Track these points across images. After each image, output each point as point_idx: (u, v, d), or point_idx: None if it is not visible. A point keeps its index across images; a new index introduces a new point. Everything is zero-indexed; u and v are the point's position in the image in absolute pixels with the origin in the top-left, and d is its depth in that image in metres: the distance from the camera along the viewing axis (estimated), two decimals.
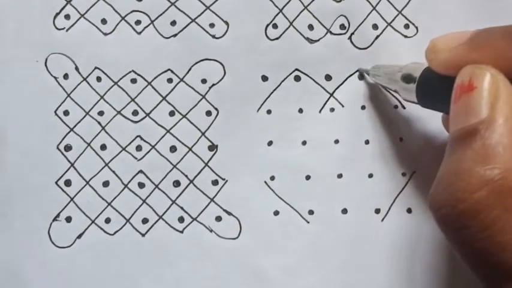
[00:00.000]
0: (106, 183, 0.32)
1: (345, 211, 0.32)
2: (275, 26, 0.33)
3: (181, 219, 0.32)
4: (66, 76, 0.32)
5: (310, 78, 0.33)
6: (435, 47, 0.24)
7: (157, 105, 0.32)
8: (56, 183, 0.32)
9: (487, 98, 0.21)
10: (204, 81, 0.32)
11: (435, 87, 0.25)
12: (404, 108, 0.33)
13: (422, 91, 0.27)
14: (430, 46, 0.25)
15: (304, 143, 0.33)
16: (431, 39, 0.25)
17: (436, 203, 0.22)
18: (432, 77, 0.25)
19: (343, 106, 0.33)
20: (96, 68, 0.32)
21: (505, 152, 0.20)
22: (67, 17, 0.32)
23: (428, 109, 0.27)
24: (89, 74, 0.32)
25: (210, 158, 0.32)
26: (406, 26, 0.33)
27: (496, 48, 0.22)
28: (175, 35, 0.32)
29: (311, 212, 0.32)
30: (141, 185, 0.32)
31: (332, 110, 0.33)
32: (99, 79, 0.32)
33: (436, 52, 0.24)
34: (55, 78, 0.32)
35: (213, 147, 0.32)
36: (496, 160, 0.20)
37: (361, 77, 0.33)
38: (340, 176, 0.33)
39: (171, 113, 0.32)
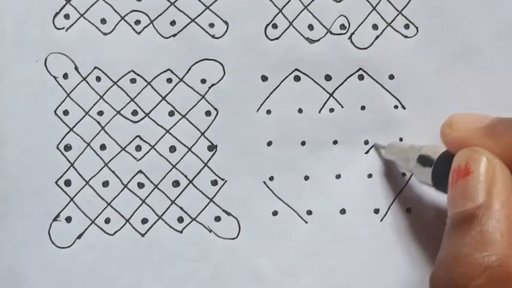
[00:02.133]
0: (106, 183, 0.32)
1: (343, 211, 0.33)
2: (275, 26, 0.33)
3: (180, 219, 0.32)
4: (65, 76, 0.32)
5: (310, 78, 0.33)
6: (453, 124, 0.25)
7: (157, 105, 0.32)
8: (56, 183, 0.32)
9: (483, 182, 0.22)
10: (203, 81, 0.32)
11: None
12: (404, 108, 0.33)
13: (438, 175, 0.26)
14: (448, 122, 0.25)
15: (303, 143, 0.33)
16: (450, 115, 0.26)
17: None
18: (448, 164, 0.25)
19: (342, 106, 0.33)
20: (95, 67, 0.32)
21: (502, 238, 0.21)
22: (66, 16, 0.32)
23: (443, 192, 0.27)
24: (89, 74, 0.32)
25: (210, 158, 0.32)
26: (406, 26, 0.33)
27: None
28: (174, 35, 0.32)
29: (310, 212, 0.32)
30: (141, 185, 0.32)
31: (332, 110, 0.33)
32: (98, 79, 0.32)
33: (453, 129, 0.25)
34: (55, 78, 0.32)
35: (212, 147, 0.32)
36: (494, 246, 0.21)
37: (377, 150, 0.33)
38: (338, 176, 0.33)
39: (171, 113, 0.32)
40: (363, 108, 0.33)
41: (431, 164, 0.27)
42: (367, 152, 0.33)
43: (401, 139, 0.33)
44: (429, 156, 0.27)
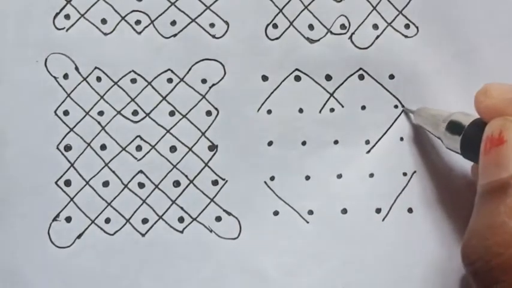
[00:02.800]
0: (106, 183, 0.32)
1: (344, 211, 0.32)
2: (275, 26, 0.33)
3: (181, 219, 0.32)
4: (66, 76, 0.32)
5: (310, 78, 0.33)
6: (487, 92, 0.25)
7: (157, 105, 0.32)
8: (56, 183, 0.32)
9: None
10: (204, 81, 0.32)
11: (480, 141, 0.24)
12: (403, 107, 0.33)
13: (467, 144, 0.26)
14: (483, 89, 0.25)
15: (304, 143, 0.33)
16: (485, 84, 0.25)
17: (469, 257, 0.22)
18: (479, 132, 0.25)
19: (343, 106, 0.33)
20: (96, 68, 0.32)
21: None
22: (67, 16, 0.32)
23: (470, 160, 0.27)
24: (89, 74, 0.32)
25: (210, 158, 0.32)
26: (407, 26, 0.33)
27: None
28: (175, 35, 0.32)
29: (311, 212, 0.32)
30: (141, 185, 0.32)
31: (332, 110, 0.33)
32: (99, 79, 0.32)
33: (488, 97, 0.25)
34: (55, 78, 0.32)
35: (213, 147, 0.32)
36: None
37: (406, 115, 0.33)
38: (340, 176, 0.33)
39: (171, 113, 0.32)
40: (363, 108, 0.33)
41: (461, 131, 0.26)
42: (368, 152, 0.33)
43: (402, 138, 0.33)
44: (459, 123, 0.27)
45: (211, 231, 0.32)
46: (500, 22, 0.33)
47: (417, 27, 0.33)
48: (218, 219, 0.32)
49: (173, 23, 0.32)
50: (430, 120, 0.30)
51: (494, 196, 0.22)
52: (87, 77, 0.32)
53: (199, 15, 0.32)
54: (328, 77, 0.33)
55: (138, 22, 0.32)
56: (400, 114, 0.33)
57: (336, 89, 0.33)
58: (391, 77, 0.33)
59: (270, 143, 0.33)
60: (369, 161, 0.33)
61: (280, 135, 0.33)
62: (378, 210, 0.32)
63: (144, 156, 0.32)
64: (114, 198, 0.32)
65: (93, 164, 0.32)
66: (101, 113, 0.32)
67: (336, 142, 0.33)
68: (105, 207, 0.32)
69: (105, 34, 0.32)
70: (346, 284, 0.32)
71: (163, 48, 0.32)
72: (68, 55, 0.32)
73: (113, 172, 0.32)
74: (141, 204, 0.32)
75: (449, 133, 0.27)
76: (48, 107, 0.32)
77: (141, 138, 0.32)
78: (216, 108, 0.32)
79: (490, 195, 0.22)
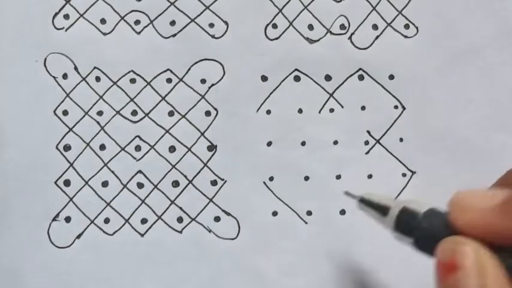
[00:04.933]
0: (105, 183, 0.32)
1: (343, 212, 0.32)
2: (275, 26, 0.33)
3: (180, 220, 0.32)
4: (65, 76, 0.32)
5: (310, 78, 0.33)
6: (460, 204, 0.22)
7: (157, 105, 0.32)
8: (55, 183, 0.32)
9: (475, 278, 0.20)
10: (203, 81, 0.32)
11: (436, 239, 0.22)
12: (404, 108, 0.33)
13: (419, 243, 0.24)
14: (455, 200, 0.22)
15: (303, 143, 0.33)
16: (456, 191, 0.22)
17: None
18: (431, 232, 0.23)
19: (342, 106, 0.33)
20: (95, 67, 0.32)
21: None
22: (66, 16, 0.32)
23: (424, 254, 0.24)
24: (88, 74, 0.32)
25: (209, 158, 0.32)
26: (406, 26, 0.33)
27: None
28: (174, 35, 0.32)
29: (309, 213, 0.32)
30: (140, 185, 0.32)
31: (332, 110, 0.33)
32: (98, 79, 0.32)
33: (463, 210, 0.22)
34: (54, 78, 0.32)
35: (212, 148, 0.32)
36: None
37: (347, 194, 0.29)
38: (339, 176, 0.33)
39: (170, 113, 0.32)
40: (363, 108, 0.33)
41: (411, 227, 0.24)
42: (367, 153, 0.33)
43: (401, 139, 0.33)
44: (408, 217, 0.24)
45: (210, 231, 0.32)
46: (500, 22, 0.33)
47: (417, 27, 0.33)
48: (217, 219, 0.32)
49: (172, 23, 0.32)
50: (376, 211, 0.26)
51: None
52: (87, 76, 0.32)
53: (198, 15, 0.32)
54: (328, 77, 0.33)
55: (137, 22, 0.32)
56: (401, 114, 0.33)
57: (336, 89, 0.33)
58: (391, 77, 0.33)
59: (269, 143, 0.33)
60: (368, 162, 0.33)
61: (280, 135, 0.32)
62: None
63: (143, 156, 0.32)
64: (114, 198, 0.32)
65: (93, 164, 0.32)
66: (100, 113, 0.32)
67: (335, 142, 0.33)
68: (105, 207, 0.32)
69: (105, 34, 0.32)
70: (344, 284, 0.32)
71: (163, 48, 0.32)
72: (67, 55, 0.32)
73: (112, 172, 0.32)
74: (140, 204, 0.32)
75: (399, 231, 0.24)
76: (47, 106, 0.32)
77: (140, 138, 0.32)
78: (215, 109, 0.32)
79: None
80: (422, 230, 0.23)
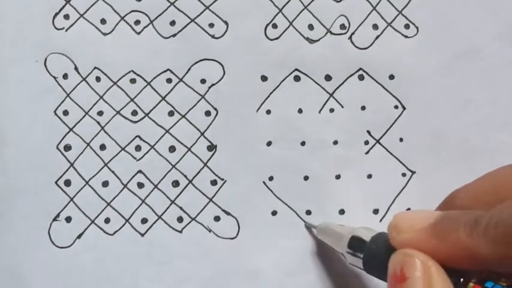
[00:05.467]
0: (105, 183, 0.32)
1: (342, 211, 0.33)
2: (275, 26, 0.33)
3: (180, 219, 0.32)
4: (65, 76, 0.32)
5: (310, 78, 0.33)
6: (397, 226, 0.24)
7: (157, 105, 0.32)
8: (56, 183, 0.32)
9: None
10: (203, 81, 0.32)
11: (383, 259, 0.24)
12: (404, 108, 0.33)
13: (369, 262, 0.26)
14: (393, 223, 0.24)
15: (303, 143, 0.33)
16: (394, 215, 0.24)
17: None
18: (377, 252, 0.25)
19: (342, 106, 0.33)
20: (95, 68, 0.32)
21: None
22: (66, 17, 0.32)
23: (375, 277, 0.26)
24: (88, 74, 0.32)
25: (209, 158, 0.32)
26: (407, 26, 0.33)
27: (458, 237, 0.21)
28: (174, 35, 0.32)
29: (309, 212, 0.32)
30: (140, 185, 0.32)
31: (332, 110, 0.33)
32: (98, 79, 0.32)
33: (399, 231, 0.23)
34: (54, 78, 0.32)
35: (212, 147, 0.32)
36: None
37: (308, 229, 0.32)
38: (338, 176, 0.33)
39: (170, 113, 0.32)
40: (363, 108, 0.33)
41: (362, 250, 0.26)
42: (367, 153, 0.33)
43: (401, 139, 0.33)
44: (359, 243, 0.26)
45: (210, 231, 0.32)
46: (500, 22, 0.33)
47: (417, 27, 0.33)
48: (217, 219, 0.32)
49: (172, 23, 0.32)
50: (332, 236, 0.29)
51: None
52: (87, 77, 0.32)
53: (198, 15, 0.32)
54: (328, 77, 0.33)
55: (137, 22, 0.32)
56: (401, 114, 0.33)
57: (336, 89, 0.33)
58: (391, 77, 0.33)
59: (269, 143, 0.33)
60: (368, 162, 0.33)
61: (280, 135, 0.33)
62: (376, 211, 0.33)
63: (143, 156, 0.32)
64: (114, 198, 0.32)
65: (93, 164, 0.32)
66: (100, 113, 0.32)
67: (335, 142, 0.33)
68: (105, 207, 0.32)
69: (105, 34, 0.32)
70: (344, 284, 0.32)
71: (163, 48, 0.32)
72: (68, 55, 0.32)
73: (113, 172, 0.32)
74: (141, 204, 0.32)
75: (351, 253, 0.27)
76: (48, 106, 0.32)
77: (141, 138, 0.32)
78: (215, 108, 0.32)
79: None
80: (369, 250, 0.25)
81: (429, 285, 0.21)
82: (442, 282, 0.21)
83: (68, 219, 0.32)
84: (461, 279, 0.22)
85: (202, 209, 0.32)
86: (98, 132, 0.32)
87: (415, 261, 0.22)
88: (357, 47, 0.33)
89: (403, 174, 0.33)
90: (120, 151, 0.32)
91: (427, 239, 0.22)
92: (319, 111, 0.33)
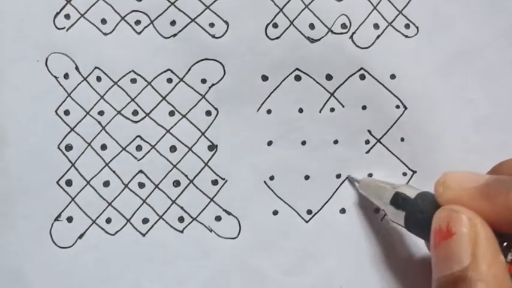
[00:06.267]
0: (106, 183, 0.32)
1: (343, 211, 0.33)
2: (275, 26, 0.33)
3: (181, 219, 0.32)
4: (66, 76, 0.32)
5: (311, 77, 0.33)
6: (445, 183, 0.24)
7: (157, 105, 0.32)
8: (57, 183, 0.32)
9: (467, 244, 0.21)
10: (203, 81, 0.32)
11: (426, 218, 0.24)
12: (405, 108, 0.33)
13: (411, 219, 0.26)
14: (441, 180, 0.24)
15: (304, 142, 0.33)
16: (444, 173, 0.25)
17: None
18: (423, 208, 0.25)
19: (343, 106, 0.33)
20: (96, 67, 0.32)
21: None
22: (67, 16, 0.32)
23: (415, 235, 0.27)
24: (89, 74, 0.32)
25: (210, 158, 0.32)
26: (407, 26, 0.33)
27: (508, 201, 0.22)
28: (175, 35, 0.32)
29: (310, 212, 0.33)
30: (141, 185, 0.32)
31: (332, 109, 0.33)
32: (99, 79, 0.32)
33: (447, 188, 0.24)
34: (55, 77, 0.32)
35: (212, 147, 0.32)
36: None
37: (351, 183, 0.33)
38: (339, 176, 0.33)
39: (171, 113, 0.32)
40: (364, 107, 0.33)
41: (405, 206, 0.26)
42: (367, 152, 0.33)
43: (402, 139, 0.33)
44: (402, 199, 0.27)
45: (211, 230, 0.32)
46: (500, 22, 0.33)
47: (417, 27, 0.33)
48: (218, 218, 0.32)
49: (173, 23, 0.32)
50: (375, 191, 0.30)
51: None
52: (87, 76, 0.32)
53: (199, 15, 0.32)
54: (329, 77, 0.33)
55: (137, 22, 0.32)
56: (402, 114, 0.33)
57: (337, 88, 0.33)
58: (392, 76, 0.33)
59: (269, 143, 0.33)
60: (369, 161, 0.33)
61: (280, 135, 0.33)
62: (377, 210, 0.33)
63: (144, 156, 0.32)
64: (115, 198, 0.32)
65: (94, 164, 0.32)
66: (101, 113, 0.32)
67: (335, 142, 0.33)
68: (106, 207, 0.32)
69: (105, 34, 0.32)
70: (345, 284, 0.32)
71: (163, 48, 0.32)
72: (68, 55, 0.32)
73: (114, 172, 0.32)
74: (142, 204, 0.32)
75: (393, 207, 0.27)
76: (49, 106, 0.32)
77: (141, 138, 0.32)
78: (215, 108, 0.32)
79: None
80: (413, 206, 0.25)
81: (475, 243, 0.21)
82: (488, 240, 0.21)
83: (70, 219, 0.32)
84: (505, 244, 0.22)
85: (203, 209, 0.32)
86: (99, 132, 0.32)
87: (462, 218, 0.22)
88: (358, 47, 0.33)
89: (404, 174, 0.33)
90: (121, 151, 0.32)
91: (474, 199, 0.23)
92: (320, 111, 0.33)
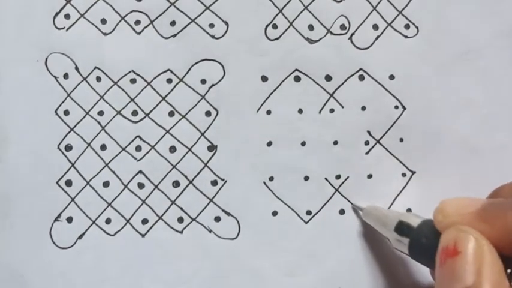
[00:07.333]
0: (106, 184, 0.32)
1: (342, 211, 0.33)
2: (275, 26, 0.33)
3: (180, 220, 0.32)
4: (66, 76, 0.32)
5: (310, 78, 0.33)
6: (444, 210, 0.24)
7: (157, 105, 0.32)
8: (57, 183, 0.32)
9: (472, 263, 0.22)
10: (203, 81, 0.32)
11: (430, 245, 0.25)
12: (404, 108, 0.33)
13: (416, 247, 0.26)
14: (440, 208, 0.25)
15: (303, 143, 0.33)
16: (441, 201, 0.25)
17: None
18: (428, 235, 0.25)
19: (342, 107, 0.33)
20: (95, 67, 0.32)
21: None
22: (67, 16, 0.32)
23: (419, 262, 0.27)
24: (89, 74, 0.32)
25: (210, 159, 0.32)
26: (407, 26, 0.33)
27: (506, 223, 0.22)
28: (175, 35, 0.32)
29: (309, 213, 0.33)
30: (141, 186, 0.32)
31: (332, 110, 0.33)
32: (98, 79, 0.32)
33: (445, 216, 0.24)
34: (55, 77, 0.32)
35: (212, 148, 0.32)
36: None
37: (355, 211, 0.33)
38: (338, 176, 0.33)
39: (171, 113, 0.32)
40: (363, 108, 0.33)
41: (409, 233, 0.26)
42: (367, 153, 0.33)
43: (401, 139, 0.33)
44: (407, 227, 0.27)
45: (210, 231, 0.32)
46: (500, 22, 0.33)
47: (417, 27, 0.33)
48: (217, 219, 0.32)
49: (173, 23, 0.32)
50: (379, 219, 0.30)
51: None
52: (87, 76, 0.32)
53: (199, 16, 0.32)
54: (328, 78, 0.33)
55: (137, 22, 0.32)
56: (401, 114, 0.33)
57: (336, 89, 0.33)
58: (392, 77, 0.33)
59: (269, 144, 0.33)
60: (368, 162, 0.33)
61: (280, 135, 0.33)
62: None
63: (143, 156, 0.32)
64: (115, 199, 0.32)
65: (94, 164, 0.32)
66: (100, 113, 0.32)
67: (335, 143, 0.33)
68: (106, 208, 0.32)
69: (105, 34, 0.32)
70: (345, 284, 0.32)
71: (163, 48, 0.32)
72: (68, 55, 0.32)
73: (113, 172, 0.32)
74: (141, 204, 0.32)
75: (397, 234, 0.27)
76: (48, 106, 0.32)
77: (141, 139, 0.32)
78: (215, 109, 0.32)
79: None
80: (416, 234, 0.26)
81: (481, 262, 0.21)
82: (494, 260, 0.22)
83: (69, 220, 0.32)
84: (509, 270, 0.22)
85: (203, 210, 0.32)
86: (99, 133, 0.32)
87: (469, 237, 0.22)
88: (357, 47, 0.33)
89: (403, 174, 0.33)
90: (121, 151, 0.32)
91: (473, 224, 0.23)
92: (319, 112, 0.33)
